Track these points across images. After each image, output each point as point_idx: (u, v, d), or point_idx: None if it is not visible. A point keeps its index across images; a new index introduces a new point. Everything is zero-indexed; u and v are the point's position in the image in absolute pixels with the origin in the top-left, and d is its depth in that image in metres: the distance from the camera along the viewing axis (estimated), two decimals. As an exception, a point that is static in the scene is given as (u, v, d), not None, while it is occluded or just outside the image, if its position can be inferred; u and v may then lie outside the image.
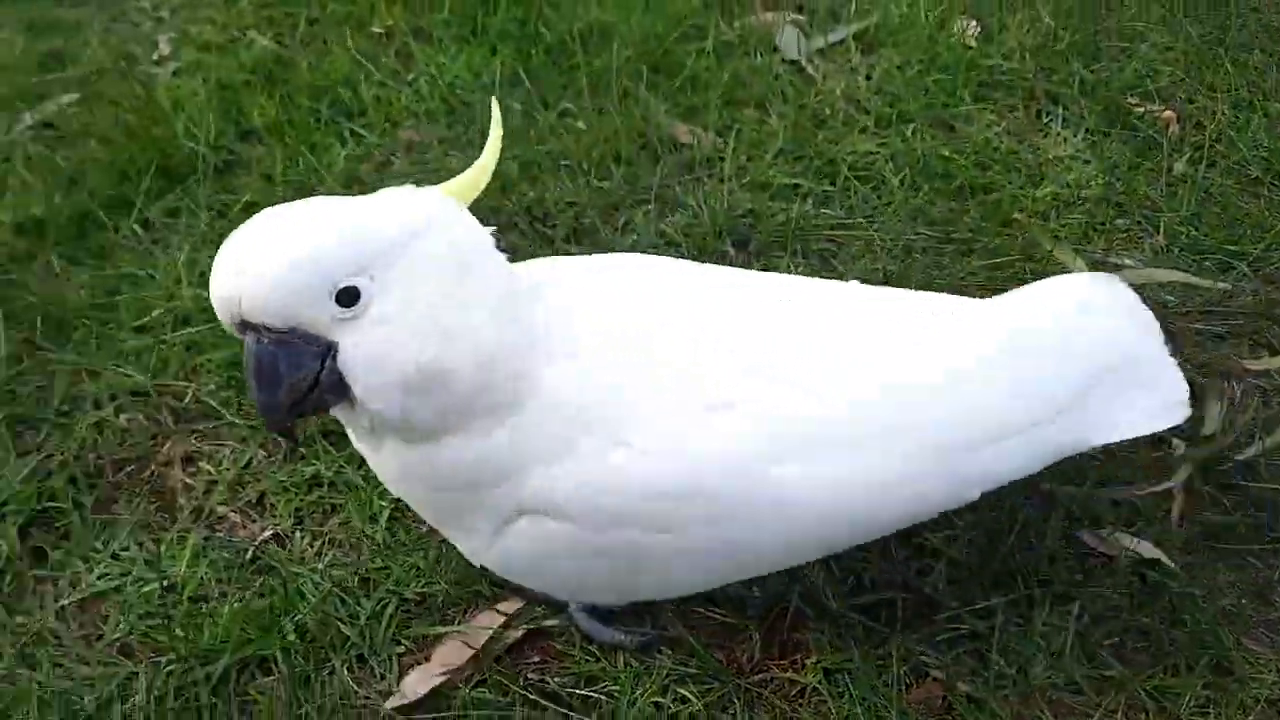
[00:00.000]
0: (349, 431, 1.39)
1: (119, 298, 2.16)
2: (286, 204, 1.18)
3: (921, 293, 1.55)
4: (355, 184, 2.44)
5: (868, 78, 2.85)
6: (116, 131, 2.51)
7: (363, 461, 1.90)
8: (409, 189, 1.24)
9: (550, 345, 1.27)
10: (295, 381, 1.15)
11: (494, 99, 1.37)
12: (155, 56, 2.85)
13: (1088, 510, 1.79)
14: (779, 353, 1.33)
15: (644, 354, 1.30)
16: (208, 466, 1.93)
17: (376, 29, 2.95)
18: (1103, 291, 1.47)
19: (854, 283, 1.53)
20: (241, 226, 1.15)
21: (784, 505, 1.29)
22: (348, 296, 1.13)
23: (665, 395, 1.28)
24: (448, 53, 2.85)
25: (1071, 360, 1.42)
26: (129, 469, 1.93)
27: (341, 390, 1.18)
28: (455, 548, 1.59)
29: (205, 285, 2.15)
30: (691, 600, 1.70)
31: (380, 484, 1.86)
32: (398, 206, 1.19)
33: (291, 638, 1.66)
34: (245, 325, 1.14)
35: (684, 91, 2.75)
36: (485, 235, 1.25)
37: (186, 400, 2.02)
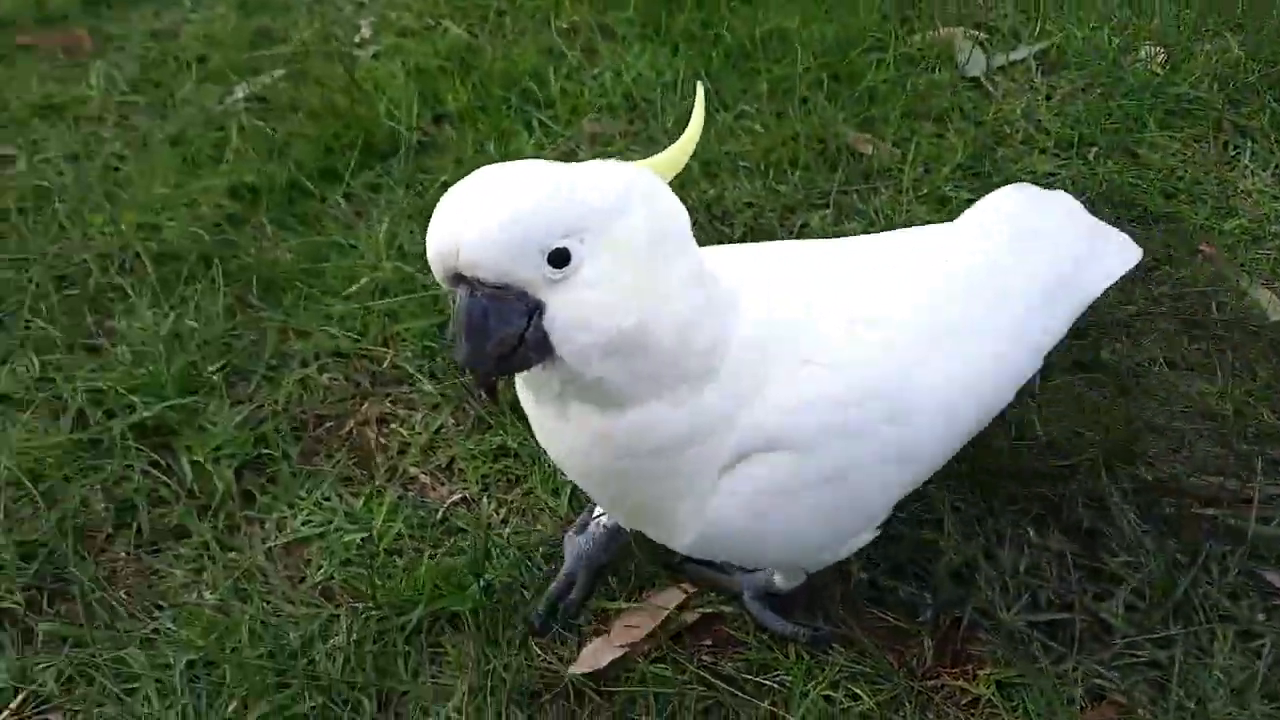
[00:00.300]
0: (528, 402, 1.43)
1: (325, 265, 2.28)
2: (505, 163, 1.21)
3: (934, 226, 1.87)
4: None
5: (1048, 98, 2.83)
6: (323, 108, 2.65)
7: (549, 437, 2.00)
8: (616, 162, 1.28)
9: (736, 309, 1.35)
10: (504, 336, 1.17)
11: (699, 84, 1.42)
12: (357, 39, 3.00)
13: (1273, 548, 1.77)
14: (896, 286, 1.54)
15: (803, 299, 1.45)
16: (401, 430, 2.04)
17: (562, 24, 3.05)
18: (1029, 193, 1.85)
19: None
20: (462, 181, 1.18)
21: (936, 391, 1.47)
22: (560, 257, 1.16)
23: (827, 322, 1.43)
24: (631, 50, 2.93)
25: (1060, 237, 1.76)
26: (329, 424, 2.05)
27: (544, 349, 1.20)
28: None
29: (404, 259, 2.28)
30: (864, 599, 1.74)
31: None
32: (609, 176, 1.23)
33: (480, 598, 1.75)
34: (459, 278, 1.17)
35: (862, 102, 2.77)
36: (684, 211, 1.28)
37: (384, 365, 2.13)
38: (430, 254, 1.17)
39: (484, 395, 1.25)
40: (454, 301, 1.19)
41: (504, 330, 1.17)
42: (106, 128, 2.66)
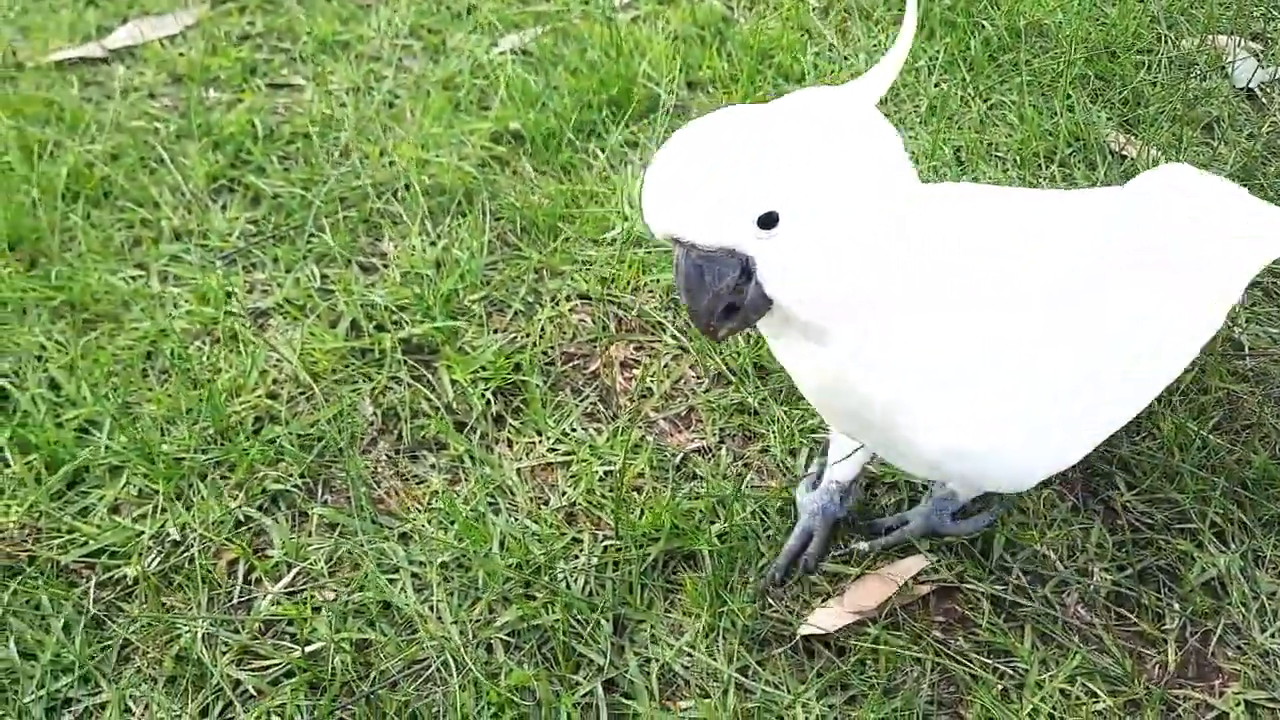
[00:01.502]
0: (772, 346, 1.53)
1: (581, 211, 2.38)
2: (707, 121, 1.23)
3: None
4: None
5: (1329, 117, 2.67)
6: (584, 64, 2.75)
7: (787, 395, 2.03)
8: (822, 92, 1.28)
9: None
10: (718, 290, 1.24)
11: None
12: (617, 3, 3.08)
13: None
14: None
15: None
16: (644, 375, 2.10)
17: (817, 3, 3.06)
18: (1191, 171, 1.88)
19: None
20: (667, 147, 1.21)
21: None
22: (768, 220, 1.21)
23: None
24: (887, 33, 2.92)
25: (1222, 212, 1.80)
26: (575, 362, 2.14)
27: (763, 301, 1.27)
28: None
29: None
30: (1106, 600, 1.70)
31: (803, 423, 1.99)
32: (814, 126, 1.23)
33: (716, 543, 1.80)
34: (676, 240, 1.24)
35: (1128, 103, 2.68)
36: (895, 135, 1.28)
37: (632, 312, 2.20)
38: (646, 220, 1.24)
39: (715, 338, 1.35)
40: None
41: (718, 285, 1.24)
42: (385, 66, 2.83)
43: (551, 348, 2.16)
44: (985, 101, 2.70)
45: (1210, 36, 2.90)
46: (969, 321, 1.40)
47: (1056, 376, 1.47)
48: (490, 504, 1.88)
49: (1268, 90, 2.77)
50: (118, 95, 2.72)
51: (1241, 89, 2.77)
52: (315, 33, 2.89)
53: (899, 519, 1.84)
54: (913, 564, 1.79)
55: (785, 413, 2.01)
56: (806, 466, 1.92)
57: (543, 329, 2.18)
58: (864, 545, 1.81)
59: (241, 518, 1.86)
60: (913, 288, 1.34)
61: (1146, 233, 1.65)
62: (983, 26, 2.91)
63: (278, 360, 2.09)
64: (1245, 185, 2.43)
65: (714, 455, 1.97)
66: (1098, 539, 1.81)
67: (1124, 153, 2.54)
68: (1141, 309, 1.55)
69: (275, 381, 2.07)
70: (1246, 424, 1.96)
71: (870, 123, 1.27)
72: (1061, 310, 1.47)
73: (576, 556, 1.81)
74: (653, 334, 2.18)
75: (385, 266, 2.29)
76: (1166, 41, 2.88)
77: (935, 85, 2.73)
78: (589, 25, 2.93)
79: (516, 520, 1.86)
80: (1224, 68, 2.83)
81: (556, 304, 2.22)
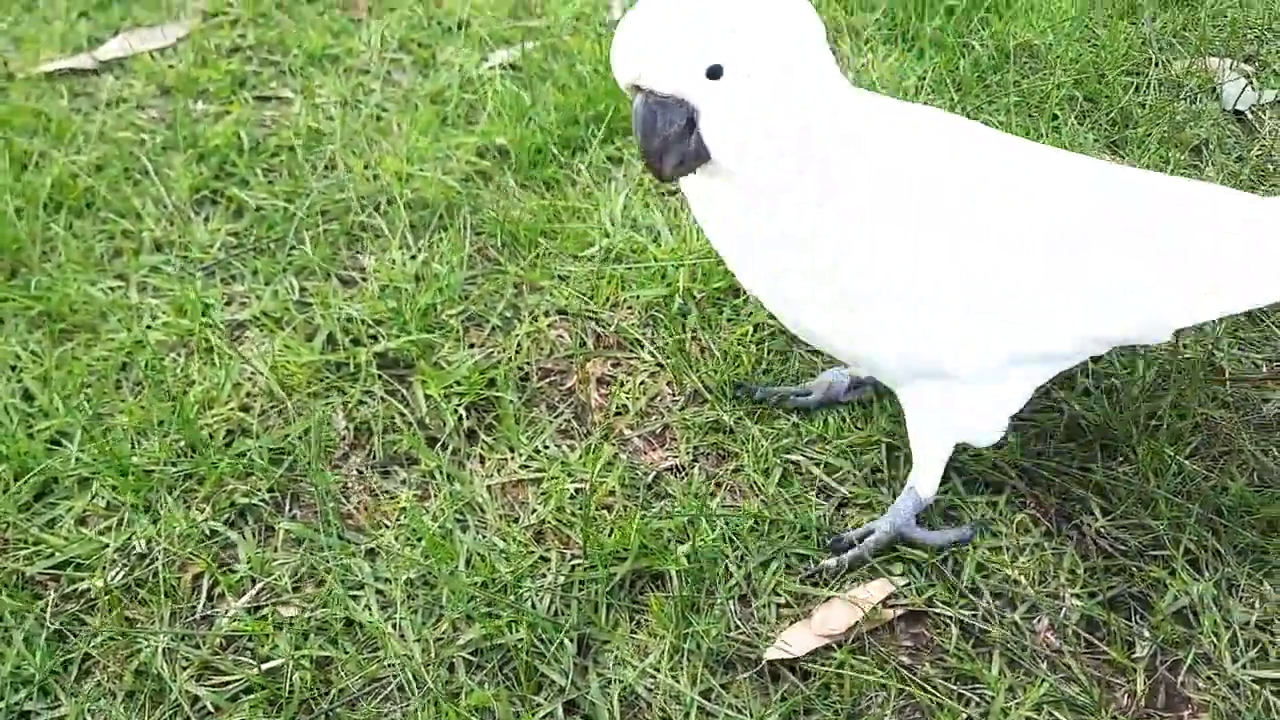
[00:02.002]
0: (694, 203, 1.64)
1: (563, 227, 2.37)
2: None
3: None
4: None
5: (1321, 140, 2.66)
6: (571, 80, 2.75)
7: (763, 414, 2.02)
8: None
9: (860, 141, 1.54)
10: (667, 135, 1.43)
11: None
12: (606, 19, 3.09)
13: None
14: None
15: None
16: (620, 392, 2.09)
17: (808, 20, 3.05)
18: None
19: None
20: (639, 5, 1.40)
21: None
22: (714, 72, 1.39)
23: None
24: (876, 52, 2.92)
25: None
26: (552, 378, 2.13)
27: (703, 152, 1.46)
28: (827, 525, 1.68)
29: (636, 229, 2.34)
30: (1076, 626, 1.68)
31: (777, 443, 1.97)
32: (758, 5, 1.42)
33: (685, 562, 1.78)
34: (635, 88, 1.42)
35: (1116, 124, 2.67)
36: (820, 25, 1.47)
37: (610, 328, 2.19)
38: (614, 67, 1.44)
39: (660, 179, 1.56)
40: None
41: (667, 131, 1.42)
42: (373, 80, 2.83)
43: (528, 363, 2.15)
44: (975, 119, 2.69)
45: (1201, 58, 2.89)
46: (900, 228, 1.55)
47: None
48: (459, 520, 1.87)
49: (1258, 113, 2.76)
50: (105, 106, 2.73)
51: (1230, 111, 2.76)
52: (305, 46, 2.90)
53: (864, 530, 1.83)
54: (881, 587, 1.77)
55: (760, 431, 2.00)
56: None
57: (519, 344, 2.17)
58: (830, 562, 1.80)
59: (208, 531, 1.85)
60: (847, 181, 1.52)
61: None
62: (972, 47, 2.90)
63: (252, 373, 2.09)
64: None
65: (686, 474, 1.96)
66: (1070, 564, 1.79)
67: (1110, 174, 2.53)
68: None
69: (249, 394, 2.07)
70: (1224, 450, 1.94)
71: (803, 8, 1.48)
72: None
73: (543, 575, 1.80)
74: (630, 350, 2.17)
75: (364, 280, 2.29)
76: (1156, 64, 2.87)
77: (923, 104, 2.72)
78: (579, 41, 2.93)
79: (484, 537, 1.85)
80: (1214, 89, 2.82)
81: (535, 319, 2.22)
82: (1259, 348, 2.13)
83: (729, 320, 2.21)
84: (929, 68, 2.83)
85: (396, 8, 3.10)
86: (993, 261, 1.55)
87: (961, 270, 1.55)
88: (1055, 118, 2.68)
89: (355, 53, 2.91)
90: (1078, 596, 1.75)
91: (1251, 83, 2.83)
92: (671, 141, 1.44)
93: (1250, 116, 2.74)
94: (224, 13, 3.06)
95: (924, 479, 1.79)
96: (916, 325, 1.58)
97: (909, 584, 1.77)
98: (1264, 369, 2.09)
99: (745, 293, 2.24)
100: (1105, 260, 1.57)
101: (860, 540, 1.81)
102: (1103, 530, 1.84)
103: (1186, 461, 1.90)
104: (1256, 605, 1.72)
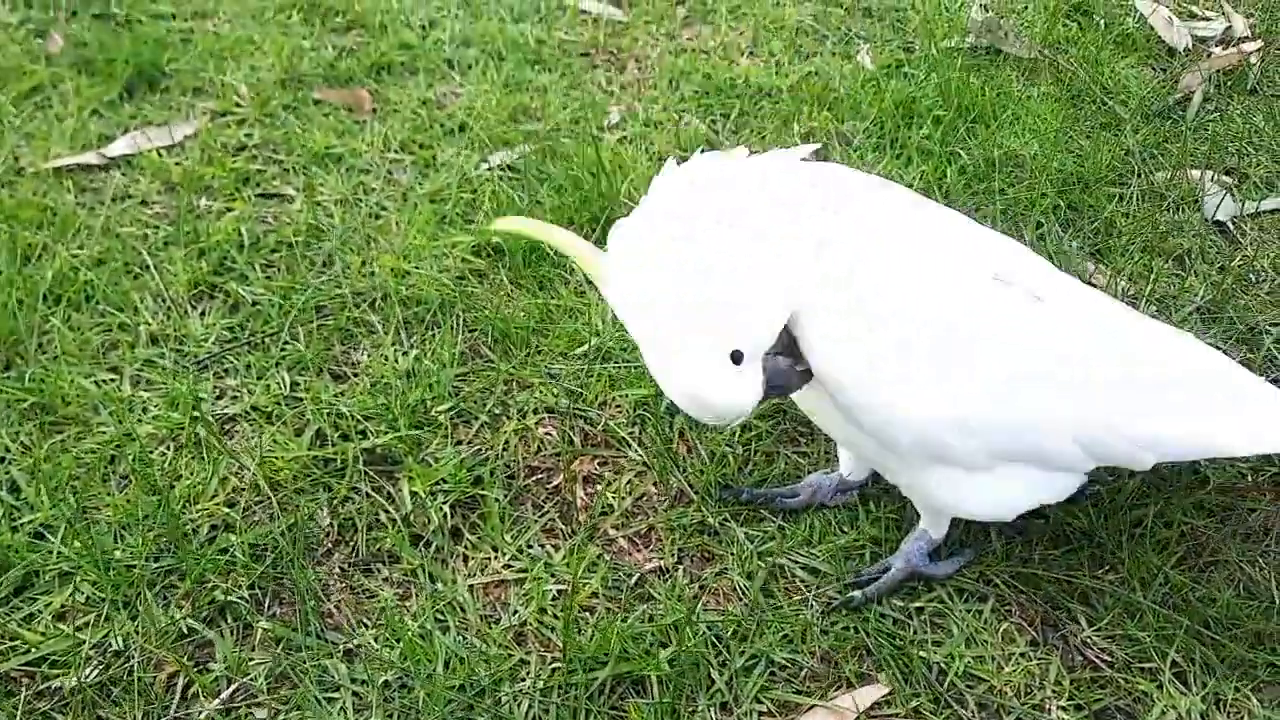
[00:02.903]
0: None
1: (554, 325, 2.40)
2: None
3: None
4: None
5: (1302, 251, 2.71)
6: (568, 181, 2.81)
7: (748, 516, 2.02)
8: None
9: None
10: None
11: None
12: (606, 123, 3.17)
13: None
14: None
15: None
16: (606, 492, 2.09)
17: (800, 128, 3.14)
18: None
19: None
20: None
21: None
22: (736, 357, 1.56)
23: None
24: (865, 159, 2.99)
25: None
26: (538, 476, 2.13)
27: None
28: (814, 628, 1.80)
29: (624, 329, 2.37)
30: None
31: (763, 545, 1.97)
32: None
33: (666, 668, 1.76)
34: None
35: (1099, 233, 2.73)
36: None
37: (598, 426, 2.21)
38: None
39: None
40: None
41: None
42: (374, 179, 2.90)
43: (515, 461, 2.15)
44: (960, 228, 2.74)
45: (1184, 170, 2.96)
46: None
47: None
48: (439, 621, 1.86)
49: (1239, 224, 2.82)
50: (111, 202, 2.79)
51: (1212, 222, 2.82)
52: (309, 145, 2.97)
53: (881, 566, 1.92)
54: (868, 694, 1.75)
55: (745, 534, 2.00)
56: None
57: (507, 442, 2.18)
58: (858, 594, 1.87)
59: (185, 629, 1.83)
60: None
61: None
62: (959, 156, 2.97)
63: (239, 468, 2.09)
64: (1215, 318, 2.48)
65: (671, 576, 1.95)
66: (1056, 675, 1.77)
67: (1093, 281, 2.57)
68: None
69: (235, 489, 2.07)
70: (1211, 560, 1.93)
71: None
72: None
73: (523, 679, 1.77)
74: (618, 449, 2.18)
75: (356, 376, 2.31)
76: (1139, 174, 2.94)
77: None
78: (576, 145, 3.00)
79: (465, 639, 1.83)
80: (1196, 200, 2.87)
81: (524, 416, 2.23)
82: (1244, 458, 2.14)
83: (716, 421, 2.22)
84: (917, 175, 2.90)
85: (400, 110, 3.19)
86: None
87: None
88: (1040, 225, 2.73)
89: (358, 152, 2.98)
90: (1064, 709, 1.73)
91: (1232, 194, 2.89)
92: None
93: (1232, 227, 2.80)
94: (232, 112, 3.14)
95: (935, 527, 1.90)
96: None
97: (892, 691, 1.75)
98: (1249, 478, 2.09)
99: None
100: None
101: (878, 576, 1.89)
102: (1089, 640, 1.82)
103: (1172, 571, 1.89)
104: (1246, 720, 1.70)
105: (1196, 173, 2.95)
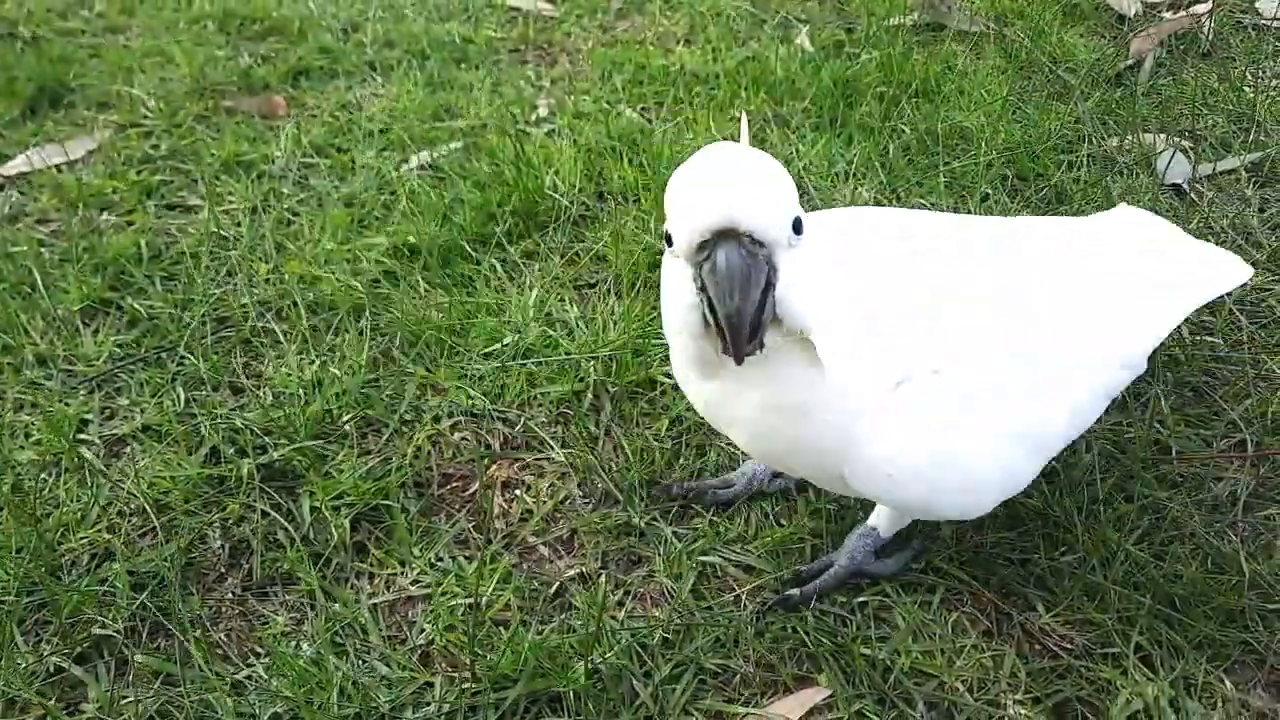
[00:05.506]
0: (692, 381, 1.48)
1: (472, 323, 2.25)
2: (724, 146, 1.28)
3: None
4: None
5: (1261, 210, 2.57)
6: (490, 177, 2.67)
7: (676, 514, 1.86)
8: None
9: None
10: (761, 288, 1.22)
11: (743, 115, 1.57)
12: (533, 118, 3.04)
13: None
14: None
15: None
16: (525, 496, 1.94)
17: (737, 114, 3.00)
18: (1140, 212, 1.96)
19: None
20: (707, 156, 1.25)
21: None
22: (799, 225, 1.25)
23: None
24: (804, 139, 2.85)
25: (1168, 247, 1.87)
26: (453, 484, 1.98)
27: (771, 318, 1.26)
28: (748, 630, 1.66)
29: (550, 324, 2.22)
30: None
31: (692, 544, 1.81)
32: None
33: (584, 682, 1.60)
34: (723, 235, 1.20)
35: (1048, 201, 2.59)
36: None
37: (517, 428, 2.05)
38: (694, 211, 1.22)
39: (742, 355, 1.25)
40: (699, 263, 1.23)
41: (761, 283, 1.22)
42: (287, 185, 2.75)
43: (429, 469, 2.00)
44: (903, 203, 2.61)
45: (1136, 134, 2.83)
46: (913, 339, 1.45)
47: (997, 384, 1.47)
48: (338, 645, 1.69)
49: (1195, 186, 2.68)
50: (7, 222, 2.63)
51: (1169, 185, 2.68)
52: (219, 154, 2.82)
53: (823, 563, 1.76)
54: (806, 698, 1.59)
55: (674, 533, 1.84)
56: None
57: (419, 449, 2.02)
58: (795, 593, 1.71)
59: (52, 669, 1.66)
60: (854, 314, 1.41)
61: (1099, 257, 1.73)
62: (902, 131, 2.84)
63: (126, 492, 1.93)
64: (1174, 280, 2.33)
65: (593, 582, 1.79)
66: (1011, 668, 1.62)
67: (1045, 251, 2.43)
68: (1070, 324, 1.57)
69: (120, 514, 1.90)
70: (1174, 535, 1.78)
71: None
72: (998, 318, 1.50)
73: (427, 703, 1.61)
74: (539, 451, 2.02)
75: (259, 388, 2.15)
76: (1090, 141, 2.81)
77: (853, 190, 2.64)
78: (502, 140, 2.86)
79: (364, 662, 1.67)
80: (1149, 164, 2.74)
81: (438, 421, 2.07)
82: (1207, 424, 1.99)
83: (644, 414, 2.07)
84: (857, 153, 2.77)
85: (318, 114, 3.04)
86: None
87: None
88: (987, 197, 2.60)
89: (270, 159, 2.84)
90: (1020, 703, 1.57)
91: (1187, 155, 2.76)
92: (761, 296, 1.22)
93: (1188, 189, 2.66)
94: (139, 124, 2.99)
95: (885, 523, 1.74)
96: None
97: (834, 694, 1.59)
98: (1213, 446, 1.95)
99: (661, 385, 2.11)
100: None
101: (819, 574, 1.74)
102: (1047, 627, 1.67)
103: (1134, 548, 1.74)
104: (1218, 705, 1.54)
105: (1150, 137, 2.83)
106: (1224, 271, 1.83)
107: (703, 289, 1.23)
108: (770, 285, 1.23)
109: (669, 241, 1.27)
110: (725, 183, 1.22)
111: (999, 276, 1.58)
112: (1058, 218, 2.03)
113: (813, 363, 1.35)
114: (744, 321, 1.21)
